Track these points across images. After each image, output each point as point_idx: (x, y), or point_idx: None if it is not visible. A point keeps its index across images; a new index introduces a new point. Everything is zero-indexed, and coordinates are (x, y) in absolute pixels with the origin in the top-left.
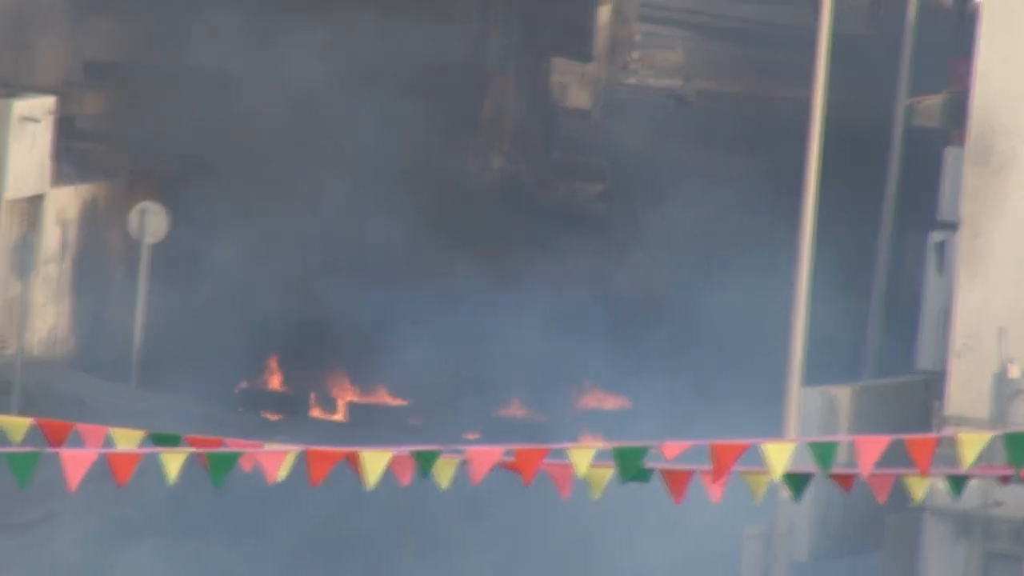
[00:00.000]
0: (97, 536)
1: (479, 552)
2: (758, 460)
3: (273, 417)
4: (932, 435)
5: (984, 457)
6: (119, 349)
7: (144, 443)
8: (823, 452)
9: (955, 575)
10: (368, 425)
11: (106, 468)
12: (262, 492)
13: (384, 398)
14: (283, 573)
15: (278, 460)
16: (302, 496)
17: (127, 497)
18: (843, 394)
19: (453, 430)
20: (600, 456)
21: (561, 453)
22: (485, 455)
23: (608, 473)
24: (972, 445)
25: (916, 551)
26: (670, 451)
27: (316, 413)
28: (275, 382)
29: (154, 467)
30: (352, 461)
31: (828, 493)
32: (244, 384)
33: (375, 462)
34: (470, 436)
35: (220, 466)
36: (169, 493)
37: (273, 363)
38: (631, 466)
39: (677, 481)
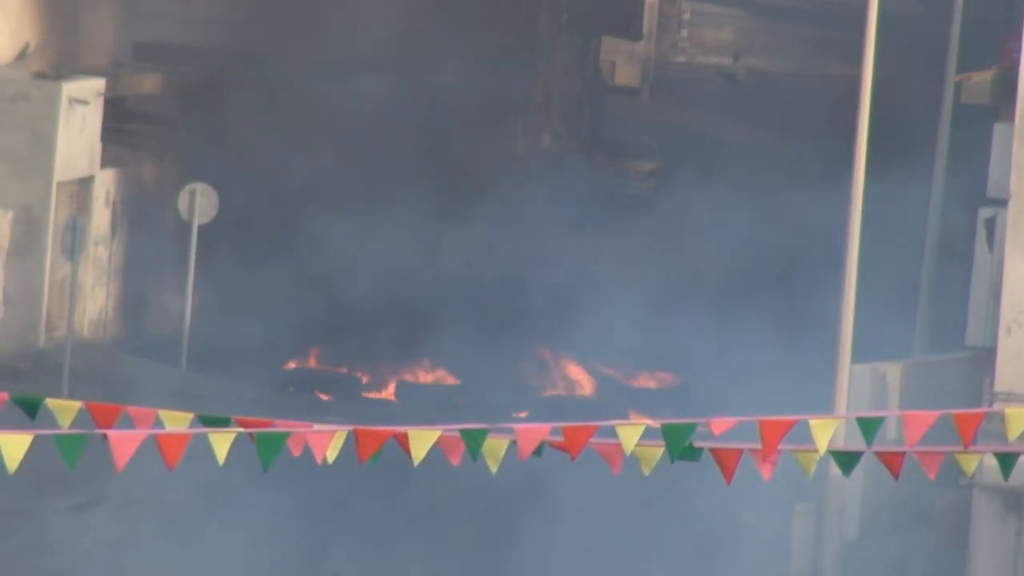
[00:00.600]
0: (145, 518)
1: (533, 529)
2: (809, 437)
3: (324, 397)
4: (978, 410)
5: None
6: (168, 330)
7: (193, 425)
8: (868, 424)
9: (1005, 552)
10: (417, 404)
11: (154, 450)
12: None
13: (433, 377)
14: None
15: (327, 440)
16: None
17: (176, 479)
18: (893, 371)
19: (502, 409)
20: (649, 434)
21: (609, 431)
22: (531, 433)
23: (657, 451)
24: (1019, 420)
25: (966, 528)
26: (717, 428)
27: (365, 393)
28: (324, 363)
29: (202, 449)
30: (400, 440)
31: (878, 471)
32: (292, 365)
33: (422, 441)
34: (519, 415)
35: (269, 447)
36: (216, 475)
37: (322, 344)
38: (679, 444)
39: (726, 459)
